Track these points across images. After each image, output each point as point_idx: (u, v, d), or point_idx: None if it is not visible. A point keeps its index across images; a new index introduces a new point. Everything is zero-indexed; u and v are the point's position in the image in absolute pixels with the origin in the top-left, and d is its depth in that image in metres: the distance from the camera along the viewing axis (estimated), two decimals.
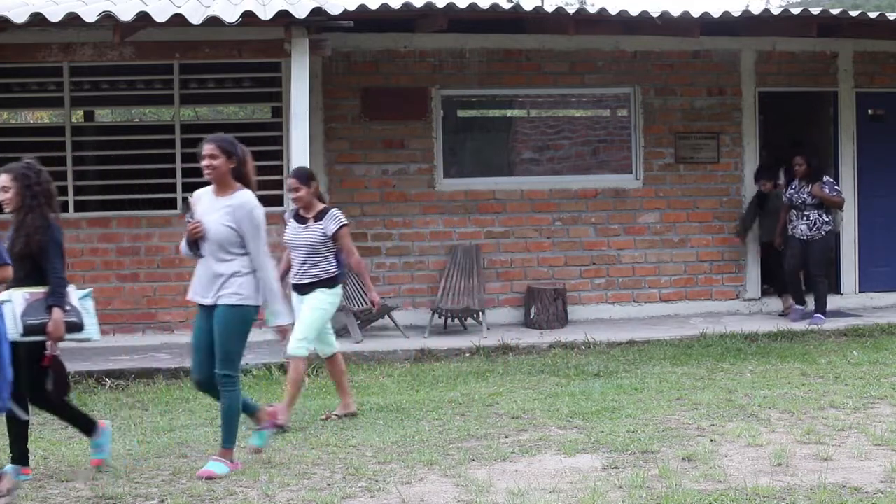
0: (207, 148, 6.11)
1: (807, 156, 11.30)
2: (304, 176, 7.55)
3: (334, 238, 7.44)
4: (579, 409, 7.38)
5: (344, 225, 7.49)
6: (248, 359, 9.71)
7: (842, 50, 12.17)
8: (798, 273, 11.50)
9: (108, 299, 10.73)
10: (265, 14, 9.34)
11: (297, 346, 7.32)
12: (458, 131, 12.19)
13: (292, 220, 7.59)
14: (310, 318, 7.39)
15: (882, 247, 12.37)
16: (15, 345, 5.61)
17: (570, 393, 8.05)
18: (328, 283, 7.47)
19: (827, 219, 11.28)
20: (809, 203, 11.23)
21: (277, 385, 9.04)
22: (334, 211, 7.54)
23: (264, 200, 10.85)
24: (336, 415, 7.55)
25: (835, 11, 10.89)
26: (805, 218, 11.26)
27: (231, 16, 9.31)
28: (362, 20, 10.05)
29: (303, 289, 7.47)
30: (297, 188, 7.46)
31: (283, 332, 6.35)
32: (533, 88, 12.01)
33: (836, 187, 11.50)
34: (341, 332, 10.78)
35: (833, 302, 12.13)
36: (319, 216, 7.48)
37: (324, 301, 7.44)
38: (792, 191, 11.32)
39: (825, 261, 11.46)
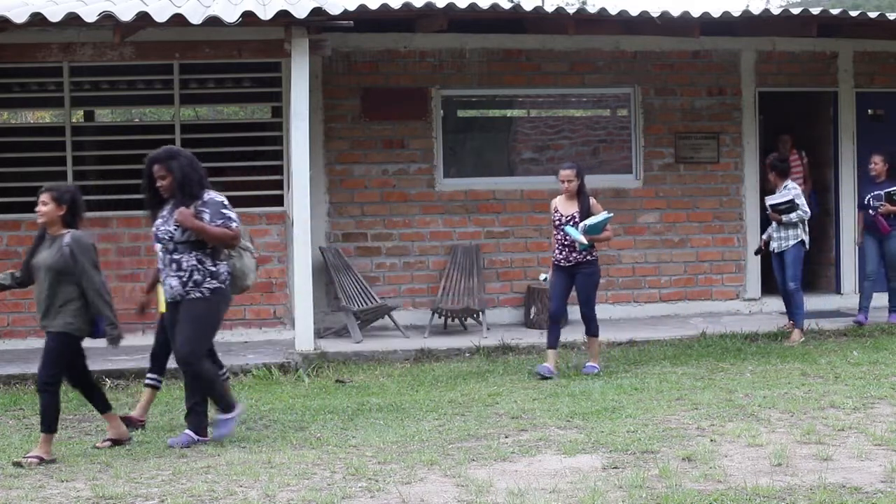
0: None
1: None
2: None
3: None
4: (579, 409, 7.38)
5: None
6: (249, 359, 9.74)
7: (842, 50, 12.16)
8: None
9: None
10: (265, 14, 9.35)
11: None
12: (458, 131, 12.18)
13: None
14: None
15: None
16: None
17: (570, 393, 8.05)
18: None
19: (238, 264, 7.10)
20: (180, 240, 6.83)
21: (278, 385, 9.04)
22: None
23: (264, 201, 11.02)
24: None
25: (835, 11, 10.89)
26: (173, 266, 6.93)
27: (231, 16, 9.31)
28: (362, 20, 10.05)
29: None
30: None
31: None
32: (533, 88, 12.01)
33: (226, 210, 6.78)
34: (341, 332, 10.80)
35: (833, 302, 12.14)
36: None
37: None
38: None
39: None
